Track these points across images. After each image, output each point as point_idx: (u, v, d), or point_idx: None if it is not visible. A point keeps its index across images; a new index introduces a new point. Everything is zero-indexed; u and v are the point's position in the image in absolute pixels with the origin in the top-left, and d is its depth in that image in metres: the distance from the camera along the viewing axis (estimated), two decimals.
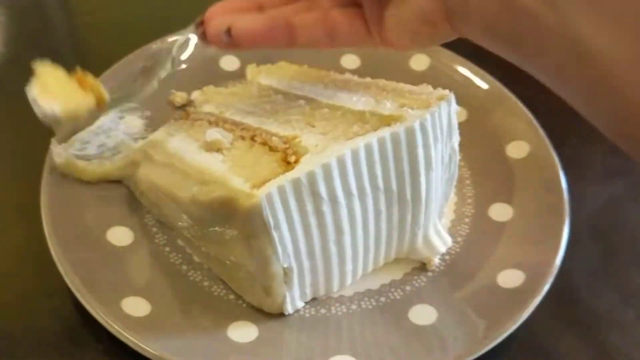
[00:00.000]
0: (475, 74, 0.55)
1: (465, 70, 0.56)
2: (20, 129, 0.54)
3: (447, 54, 0.57)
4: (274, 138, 0.41)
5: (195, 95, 0.53)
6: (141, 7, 0.66)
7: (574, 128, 0.57)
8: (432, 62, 0.57)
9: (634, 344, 0.43)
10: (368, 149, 0.39)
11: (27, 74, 0.40)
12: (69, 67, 0.51)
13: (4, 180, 0.50)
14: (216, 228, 0.40)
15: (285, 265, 0.39)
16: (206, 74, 0.55)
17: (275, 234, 0.37)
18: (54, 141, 0.47)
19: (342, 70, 0.56)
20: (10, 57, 0.61)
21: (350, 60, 0.58)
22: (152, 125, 0.51)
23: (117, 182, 0.47)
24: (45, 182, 0.45)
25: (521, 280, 0.43)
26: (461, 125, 0.52)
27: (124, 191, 0.47)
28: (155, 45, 0.55)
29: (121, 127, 0.50)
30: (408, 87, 0.45)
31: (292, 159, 0.39)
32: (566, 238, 0.45)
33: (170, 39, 0.56)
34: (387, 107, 0.42)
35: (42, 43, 0.61)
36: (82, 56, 0.63)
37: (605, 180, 0.53)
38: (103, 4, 0.66)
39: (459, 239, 0.47)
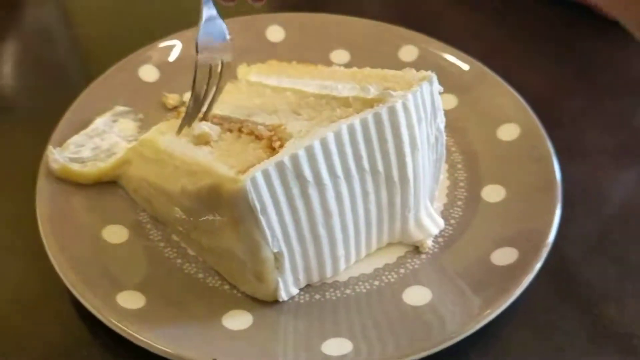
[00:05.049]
0: (461, 59, 0.55)
1: (452, 57, 0.56)
2: (16, 139, 0.55)
3: (436, 43, 0.57)
4: (259, 127, 0.42)
5: (188, 96, 0.54)
6: (130, 17, 0.68)
7: (565, 109, 0.57)
8: (420, 52, 0.57)
9: (630, 318, 0.43)
10: (351, 130, 0.39)
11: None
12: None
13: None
14: (206, 217, 0.40)
15: (275, 250, 0.39)
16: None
17: (262, 218, 0.38)
18: (50, 148, 0.47)
19: (331, 65, 0.56)
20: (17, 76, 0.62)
21: (340, 55, 0.58)
22: (146, 127, 0.52)
23: (112, 183, 0.48)
24: (41, 185, 0.46)
25: (515, 257, 0.43)
26: (451, 111, 0.53)
27: (118, 191, 0.48)
28: (149, 52, 0.57)
29: (115, 129, 0.51)
30: (393, 72, 0.45)
31: (277, 144, 0.39)
32: (559, 214, 0.44)
33: (161, 44, 0.58)
34: (371, 91, 0.42)
35: (49, 65, 0.63)
36: (85, 66, 0.64)
37: (596, 157, 0.53)
38: (99, 17, 0.68)
39: (452, 221, 0.46)
